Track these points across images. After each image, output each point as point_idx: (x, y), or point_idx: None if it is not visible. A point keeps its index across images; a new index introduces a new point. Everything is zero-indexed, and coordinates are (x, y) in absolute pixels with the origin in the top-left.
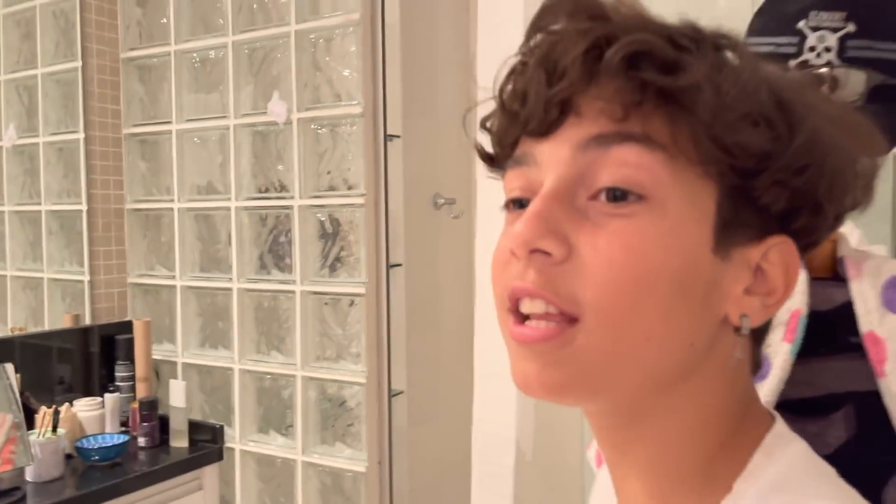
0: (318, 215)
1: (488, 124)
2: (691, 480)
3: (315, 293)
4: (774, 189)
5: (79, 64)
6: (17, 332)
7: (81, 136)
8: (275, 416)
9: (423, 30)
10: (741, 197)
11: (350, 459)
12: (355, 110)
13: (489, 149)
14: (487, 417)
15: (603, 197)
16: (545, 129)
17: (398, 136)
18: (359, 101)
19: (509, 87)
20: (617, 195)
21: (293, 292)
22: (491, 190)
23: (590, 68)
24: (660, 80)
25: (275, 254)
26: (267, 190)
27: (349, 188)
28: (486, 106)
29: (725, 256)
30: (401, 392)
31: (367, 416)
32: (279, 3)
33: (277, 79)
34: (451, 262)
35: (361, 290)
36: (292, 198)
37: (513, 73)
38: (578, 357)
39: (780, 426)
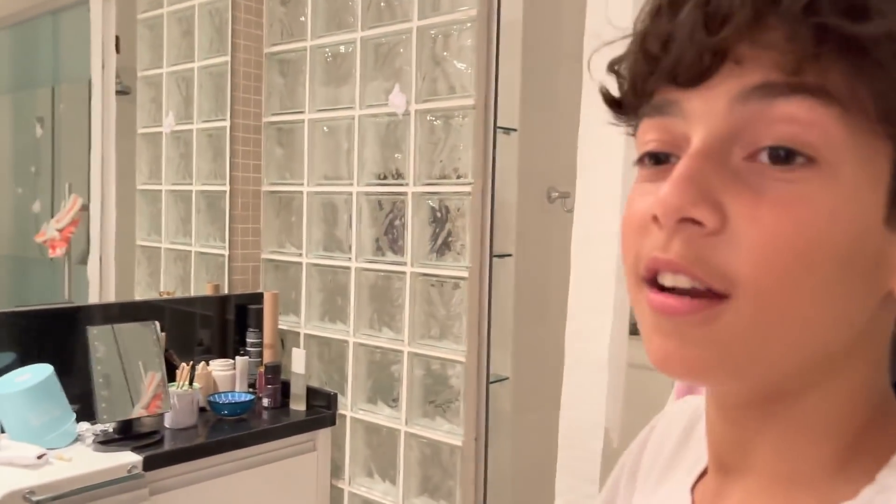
0: (430, 202)
1: (619, 67)
2: (826, 466)
3: (423, 275)
4: None
5: (228, 58)
6: (165, 297)
7: (228, 123)
8: (383, 388)
9: (545, 26)
10: None
11: (448, 433)
12: (468, 102)
13: (616, 93)
14: (575, 403)
15: (765, 157)
16: (697, 78)
17: (514, 130)
18: (472, 94)
19: (653, 27)
20: (782, 156)
21: (404, 273)
22: (590, 182)
23: (760, 10)
24: (846, 26)
25: (389, 236)
26: (385, 177)
27: (459, 177)
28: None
29: None
30: (506, 378)
31: (466, 393)
32: (403, 1)
33: (399, 72)
34: (563, 255)
35: (465, 275)
36: (407, 185)
37: (659, 11)
38: (724, 336)
39: None
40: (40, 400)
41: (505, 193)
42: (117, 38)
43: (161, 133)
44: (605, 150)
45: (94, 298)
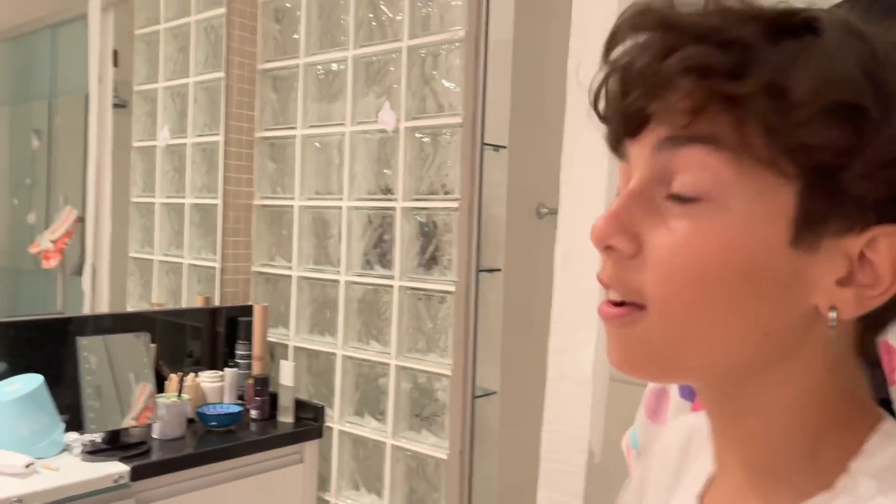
0: (418, 217)
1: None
2: (796, 458)
3: (411, 289)
4: (865, 182)
5: (223, 74)
6: (156, 308)
7: (221, 138)
8: (370, 401)
9: (534, 45)
10: (828, 188)
11: (434, 447)
12: (456, 120)
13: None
14: (558, 417)
15: (669, 197)
16: (631, 133)
17: (504, 147)
18: (459, 112)
19: (601, 97)
20: (681, 196)
21: (392, 287)
22: (573, 198)
23: (656, 80)
24: (722, 86)
25: (378, 250)
26: (375, 192)
27: (446, 193)
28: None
29: (811, 248)
30: (493, 392)
31: (452, 407)
32: (394, 20)
33: (389, 90)
34: (551, 271)
35: (452, 289)
36: (396, 200)
37: (601, 85)
38: (643, 340)
39: (892, 419)
40: (29, 410)
41: (493, 209)
42: (115, 53)
43: (156, 146)
44: (588, 166)
45: (87, 309)
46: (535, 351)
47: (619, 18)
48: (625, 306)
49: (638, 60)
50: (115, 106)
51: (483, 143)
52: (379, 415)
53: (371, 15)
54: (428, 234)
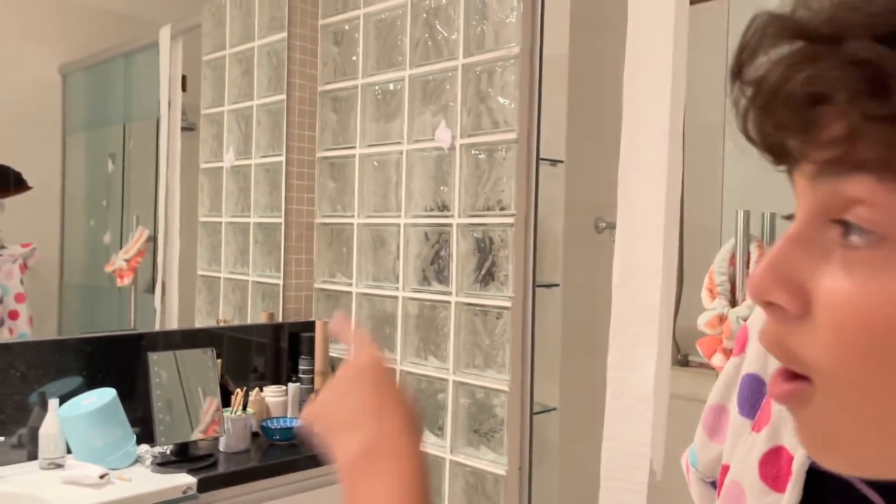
0: (474, 233)
1: None
2: None
3: (468, 304)
4: None
5: (284, 96)
6: (222, 324)
7: (283, 158)
8: (429, 416)
9: (590, 59)
10: None
11: (492, 462)
12: (510, 136)
13: None
14: (618, 434)
15: (841, 237)
16: (780, 162)
17: (561, 161)
18: (514, 128)
19: (748, 119)
20: (853, 236)
21: (449, 303)
22: (632, 213)
23: (797, 101)
24: (866, 108)
25: (435, 267)
26: (431, 209)
27: (502, 209)
28: None
29: None
30: (553, 409)
31: (510, 422)
32: (450, 39)
33: (445, 108)
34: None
35: (508, 304)
36: (452, 216)
37: (744, 107)
38: (820, 420)
39: None
40: (104, 422)
41: (551, 224)
42: (184, 78)
43: (222, 167)
44: (646, 180)
45: (157, 326)
46: (594, 367)
47: (747, 30)
48: (797, 380)
49: (774, 77)
50: (184, 129)
51: (539, 158)
52: (437, 430)
53: (427, 35)
54: (484, 249)
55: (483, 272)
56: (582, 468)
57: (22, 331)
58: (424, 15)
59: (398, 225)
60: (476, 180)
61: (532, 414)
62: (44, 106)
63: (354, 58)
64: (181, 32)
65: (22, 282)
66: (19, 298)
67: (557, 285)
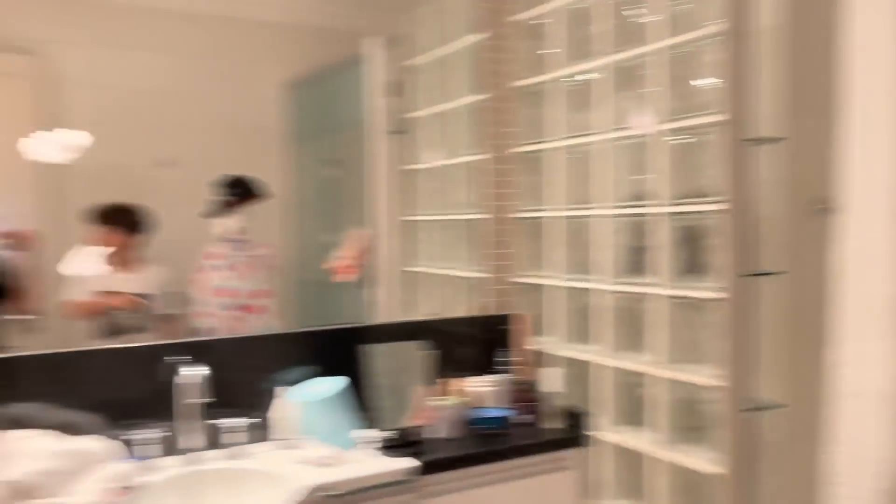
0: (679, 222)
1: None
2: None
3: (675, 297)
4: None
5: (483, 95)
6: (431, 317)
7: (483, 156)
8: (634, 411)
9: (809, 29)
10: None
11: (705, 461)
12: (718, 118)
13: None
14: (848, 436)
15: None
16: None
17: (780, 139)
18: (722, 109)
19: None
20: None
21: (654, 295)
22: (857, 195)
23: None
24: None
25: (638, 258)
26: (632, 199)
27: (709, 195)
28: None
29: None
30: (773, 406)
31: (725, 420)
32: (647, 22)
33: (644, 93)
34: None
35: (720, 295)
36: (655, 205)
37: None
38: None
39: None
40: (335, 408)
41: (768, 208)
42: (391, 85)
43: (426, 168)
44: (873, 159)
45: (373, 319)
46: (822, 361)
47: None
48: None
49: None
50: (394, 133)
51: (750, 140)
52: (643, 426)
53: (622, 20)
54: (690, 238)
55: (690, 262)
56: (804, 471)
57: (268, 323)
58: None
59: (597, 216)
60: (680, 166)
61: (749, 411)
62: (272, 119)
63: (548, 51)
64: (387, 41)
65: (268, 280)
66: (266, 294)
67: (775, 273)
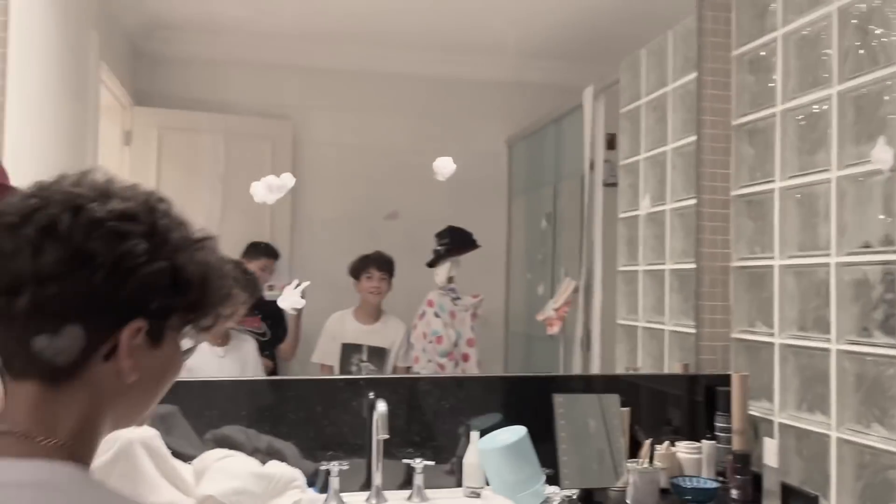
0: None
1: None
2: None
3: None
4: None
5: (696, 136)
6: (631, 372)
7: (696, 200)
8: (876, 496)
9: None
10: None
11: None
12: None
13: None
14: None
15: None
16: None
17: None
18: None
19: None
20: None
21: None
22: None
23: None
24: None
25: (879, 314)
26: (870, 244)
27: None
28: None
29: None
30: None
31: None
32: (889, 43)
33: (884, 123)
34: None
35: None
36: None
37: None
38: None
39: None
40: (515, 458)
41: None
42: (609, 135)
43: (638, 216)
44: None
45: (579, 371)
46: None
47: None
48: None
49: None
50: (609, 185)
51: None
52: None
53: (859, 42)
54: None
55: None
56: None
57: (471, 372)
58: (854, 21)
59: (828, 265)
60: None
61: None
62: (492, 174)
63: (772, 84)
64: (602, 90)
65: (472, 328)
66: (470, 343)
67: None
